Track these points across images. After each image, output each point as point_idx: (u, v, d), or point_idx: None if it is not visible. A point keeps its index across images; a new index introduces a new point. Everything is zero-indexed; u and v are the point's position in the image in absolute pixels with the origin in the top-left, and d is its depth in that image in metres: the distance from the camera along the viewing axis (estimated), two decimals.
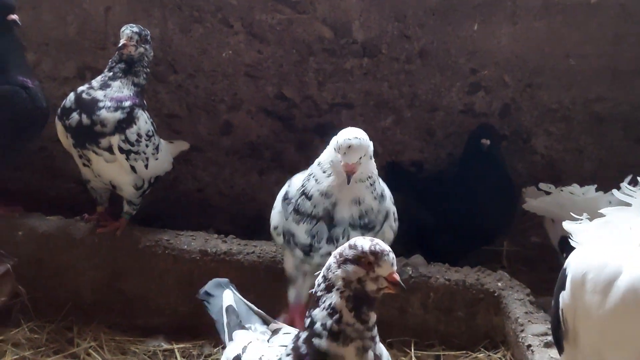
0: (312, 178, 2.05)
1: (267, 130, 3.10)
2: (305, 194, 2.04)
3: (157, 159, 2.56)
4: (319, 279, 1.35)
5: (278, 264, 2.51)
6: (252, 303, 2.53)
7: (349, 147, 1.91)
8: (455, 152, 3.06)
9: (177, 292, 2.55)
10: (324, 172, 2.02)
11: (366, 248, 1.30)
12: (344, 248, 1.33)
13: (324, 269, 1.35)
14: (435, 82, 3.00)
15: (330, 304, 1.30)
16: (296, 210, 2.05)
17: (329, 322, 1.29)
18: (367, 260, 1.30)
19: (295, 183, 2.15)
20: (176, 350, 2.38)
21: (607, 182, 2.75)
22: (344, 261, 1.31)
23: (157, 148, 2.55)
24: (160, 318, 2.56)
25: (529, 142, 3.07)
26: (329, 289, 1.32)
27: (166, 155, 2.67)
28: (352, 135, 1.94)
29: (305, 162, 3.12)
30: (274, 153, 3.14)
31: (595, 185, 2.63)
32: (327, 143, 3.09)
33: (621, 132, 3.01)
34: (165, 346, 2.40)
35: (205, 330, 2.47)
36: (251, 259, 2.52)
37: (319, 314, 1.31)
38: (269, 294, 2.53)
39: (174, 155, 2.77)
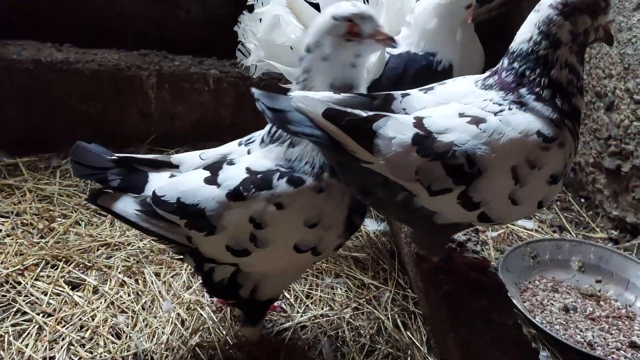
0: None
1: None
2: None
3: None
4: (535, 37, 1.23)
5: (122, 72, 2.41)
6: (101, 114, 2.47)
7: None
8: None
9: (14, 105, 2.37)
10: None
11: None
12: None
13: (539, 23, 1.23)
14: None
15: (566, 62, 1.23)
16: None
17: (575, 80, 1.24)
18: (596, 7, 1.22)
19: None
20: (20, 163, 2.28)
21: None
22: (571, 11, 1.21)
23: None
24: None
25: None
26: (555, 46, 1.22)
27: None
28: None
29: None
30: None
31: None
32: None
33: None
34: (8, 161, 2.28)
35: (54, 143, 2.39)
36: (92, 67, 2.37)
37: (558, 74, 1.23)
38: (117, 103, 2.46)
39: None
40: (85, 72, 2.36)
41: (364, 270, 1.95)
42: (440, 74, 1.89)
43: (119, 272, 1.82)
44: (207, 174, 1.37)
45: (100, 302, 1.71)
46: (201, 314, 1.70)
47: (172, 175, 1.43)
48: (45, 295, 1.71)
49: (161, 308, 1.70)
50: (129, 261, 1.87)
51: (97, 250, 1.92)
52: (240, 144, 1.46)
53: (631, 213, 2.18)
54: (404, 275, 1.93)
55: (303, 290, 1.82)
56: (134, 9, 2.95)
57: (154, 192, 1.38)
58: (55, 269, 1.82)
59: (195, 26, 3.02)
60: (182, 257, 1.49)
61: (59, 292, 1.74)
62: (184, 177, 1.40)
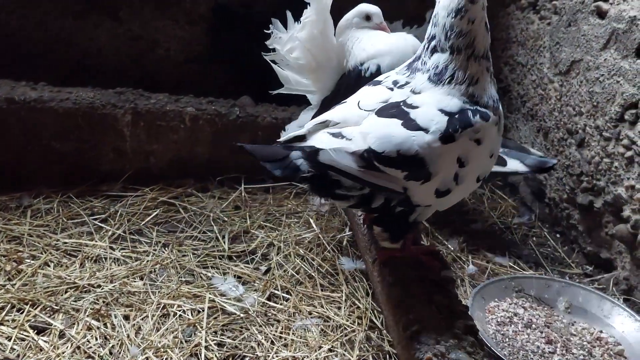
0: None
1: None
2: None
3: None
4: None
5: (97, 110, 2.40)
6: (74, 152, 2.46)
7: None
8: None
9: None
10: None
11: None
12: None
13: None
14: None
15: None
16: None
17: None
18: None
19: None
20: None
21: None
22: None
23: None
24: None
25: None
26: None
27: None
28: None
29: (125, 2, 2.91)
30: None
31: None
32: None
33: None
34: None
35: (26, 182, 2.37)
36: (66, 106, 2.36)
37: None
38: (92, 142, 2.45)
39: None
40: (59, 110, 2.35)
41: (338, 310, 1.92)
42: (369, 78, 2.06)
43: (87, 315, 1.78)
44: (399, 121, 1.40)
45: (66, 347, 1.66)
46: (171, 357, 1.66)
47: (336, 134, 1.41)
48: (9, 340, 1.66)
49: (129, 352, 1.67)
50: (98, 304, 1.83)
51: (66, 292, 1.88)
52: (391, 89, 1.49)
53: (605, 249, 2.18)
54: (379, 314, 1.90)
55: (275, 333, 1.80)
56: (113, 46, 2.97)
57: (371, 150, 1.37)
58: (21, 313, 1.77)
59: (174, 64, 3.04)
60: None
61: (24, 336, 1.69)
62: (386, 129, 1.39)
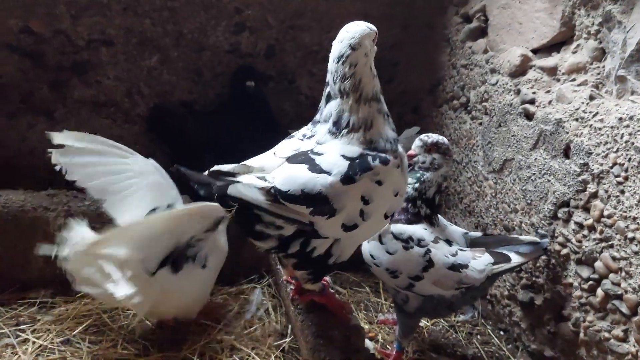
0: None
1: (13, 69, 2.76)
2: None
3: None
4: None
5: (27, 214, 2.28)
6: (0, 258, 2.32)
7: None
8: (223, 92, 3.04)
9: None
10: None
11: None
12: None
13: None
14: (201, 20, 2.92)
15: None
16: None
17: None
18: None
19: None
20: None
21: None
22: None
23: None
24: None
25: (294, 82, 3.18)
26: None
27: None
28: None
29: (61, 102, 2.87)
30: (24, 94, 2.81)
31: None
32: (86, 83, 2.91)
33: None
34: None
35: None
36: None
37: None
38: (20, 247, 2.31)
39: None
40: None
41: None
42: None
43: None
44: (305, 165, 1.58)
45: None
46: None
47: (261, 177, 1.57)
48: None
49: None
50: None
51: None
52: (301, 139, 1.68)
53: (548, 347, 2.18)
54: None
55: None
56: (46, 146, 2.88)
57: (277, 189, 1.53)
58: None
59: None
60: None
61: None
62: (292, 171, 1.57)
